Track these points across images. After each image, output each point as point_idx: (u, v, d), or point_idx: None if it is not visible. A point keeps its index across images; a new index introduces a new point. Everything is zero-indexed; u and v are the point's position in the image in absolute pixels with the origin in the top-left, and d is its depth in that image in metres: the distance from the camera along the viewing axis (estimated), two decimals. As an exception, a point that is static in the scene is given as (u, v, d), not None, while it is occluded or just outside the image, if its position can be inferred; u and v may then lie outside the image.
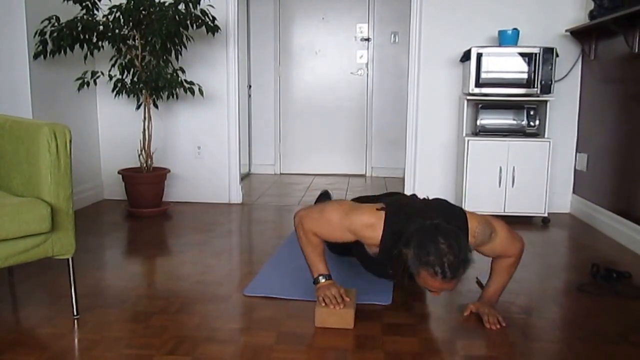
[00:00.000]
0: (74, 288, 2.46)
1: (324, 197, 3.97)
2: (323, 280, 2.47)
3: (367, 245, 2.48)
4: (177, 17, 4.08)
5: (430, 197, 2.56)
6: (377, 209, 2.39)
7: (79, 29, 3.99)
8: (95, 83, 4.46)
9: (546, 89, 4.16)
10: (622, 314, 2.57)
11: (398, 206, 2.41)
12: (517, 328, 2.39)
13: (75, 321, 2.41)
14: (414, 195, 2.67)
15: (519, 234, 2.54)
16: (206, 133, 4.94)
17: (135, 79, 4.27)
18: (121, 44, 4.21)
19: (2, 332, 2.29)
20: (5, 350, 2.13)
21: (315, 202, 3.95)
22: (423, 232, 2.16)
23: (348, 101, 6.77)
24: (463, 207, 4.23)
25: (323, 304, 2.38)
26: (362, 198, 2.93)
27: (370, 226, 2.36)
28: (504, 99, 4.29)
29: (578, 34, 4.40)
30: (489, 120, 4.34)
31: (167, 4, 4.13)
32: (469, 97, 4.33)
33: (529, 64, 4.15)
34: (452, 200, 4.67)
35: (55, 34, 3.95)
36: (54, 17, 4.00)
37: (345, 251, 2.89)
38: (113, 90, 4.32)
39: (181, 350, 2.15)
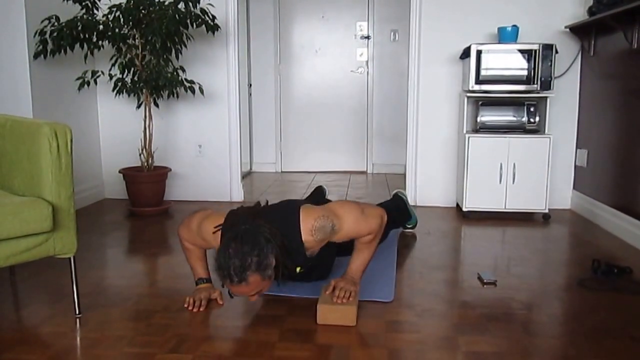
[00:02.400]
0: (75, 287, 2.46)
1: (318, 192, 4.01)
2: (201, 284, 2.64)
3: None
4: (177, 16, 4.08)
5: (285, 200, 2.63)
6: (221, 217, 2.45)
7: (79, 28, 3.99)
8: (95, 82, 4.46)
9: (546, 85, 4.16)
10: (623, 309, 2.58)
11: (237, 212, 2.43)
12: (519, 323, 2.40)
13: (77, 320, 2.42)
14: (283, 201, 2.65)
15: (377, 207, 2.55)
16: (207, 132, 4.94)
17: (135, 78, 4.27)
18: (121, 43, 4.21)
19: (4, 331, 2.30)
20: (8, 349, 2.14)
21: (309, 196, 4.07)
22: (226, 239, 2.21)
23: (348, 99, 6.77)
24: (464, 205, 4.27)
25: (190, 308, 2.51)
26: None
27: (212, 231, 2.43)
28: (504, 95, 4.30)
29: (577, 30, 4.40)
30: (489, 117, 4.34)
31: (166, 3, 4.14)
32: (469, 94, 4.33)
33: (528, 61, 4.15)
34: (452, 199, 4.73)
35: (55, 34, 3.96)
36: (54, 17, 4.00)
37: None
38: (113, 90, 4.33)
39: (183, 348, 2.16)
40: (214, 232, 2.41)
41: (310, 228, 2.35)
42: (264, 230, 2.22)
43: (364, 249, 2.54)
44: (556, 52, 4.17)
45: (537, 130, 4.30)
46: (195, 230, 2.53)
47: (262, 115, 6.90)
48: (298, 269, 2.43)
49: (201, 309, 2.50)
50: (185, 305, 2.53)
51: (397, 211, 3.74)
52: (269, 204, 2.51)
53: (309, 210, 2.40)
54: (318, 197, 3.91)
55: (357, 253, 2.56)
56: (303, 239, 2.35)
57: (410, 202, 4.60)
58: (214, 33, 4.38)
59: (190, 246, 2.62)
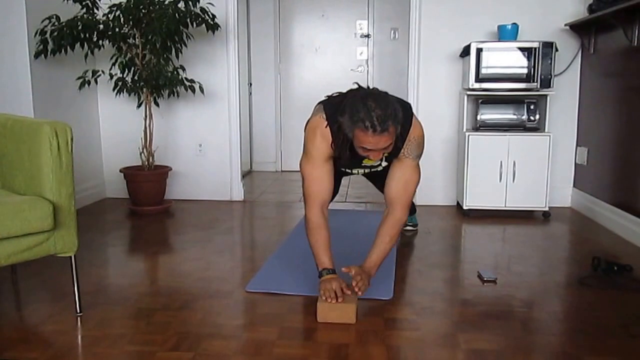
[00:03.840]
0: (76, 285, 2.46)
1: None
2: (326, 275, 2.49)
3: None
4: (177, 15, 4.08)
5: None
6: (315, 115, 2.52)
7: (80, 27, 3.99)
8: (96, 82, 4.47)
9: (546, 83, 4.17)
10: (623, 306, 2.58)
11: (334, 98, 2.51)
12: (519, 321, 2.40)
13: (78, 318, 2.42)
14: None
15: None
16: (207, 131, 4.94)
17: (135, 78, 4.28)
18: (121, 43, 4.21)
19: (6, 330, 2.31)
20: (9, 347, 2.15)
21: None
22: (355, 99, 2.27)
23: (348, 98, 6.76)
24: (464, 203, 4.27)
25: (324, 297, 2.39)
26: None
27: (322, 137, 2.49)
28: (504, 93, 4.30)
29: (577, 28, 4.41)
30: (489, 115, 4.34)
31: (166, 2, 4.14)
32: (469, 93, 4.34)
33: (528, 59, 4.16)
34: (452, 197, 4.74)
35: (55, 33, 3.96)
36: (54, 17, 4.00)
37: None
38: (114, 89, 4.33)
39: (184, 346, 2.16)
40: (325, 127, 2.46)
41: (412, 135, 2.51)
42: (398, 101, 2.36)
43: (387, 236, 2.58)
44: (556, 50, 4.17)
45: (537, 128, 4.30)
46: (313, 167, 2.54)
47: (262, 114, 6.91)
48: (378, 166, 2.68)
49: (340, 300, 2.38)
50: (324, 298, 2.40)
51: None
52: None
53: (418, 123, 2.57)
54: None
55: (379, 244, 2.59)
56: (407, 137, 2.48)
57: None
58: (214, 32, 4.38)
59: (317, 222, 2.54)
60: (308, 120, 2.61)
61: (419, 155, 2.59)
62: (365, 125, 2.20)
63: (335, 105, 2.42)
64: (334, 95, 2.56)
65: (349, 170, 2.94)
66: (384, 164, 2.73)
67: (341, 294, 2.40)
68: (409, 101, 4.72)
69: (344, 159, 2.57)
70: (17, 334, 2.27)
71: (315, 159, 2.54)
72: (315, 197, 2.56)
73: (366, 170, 2.90)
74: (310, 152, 2.55)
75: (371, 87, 2.41)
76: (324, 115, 2.48)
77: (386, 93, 2.35)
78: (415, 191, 2.68)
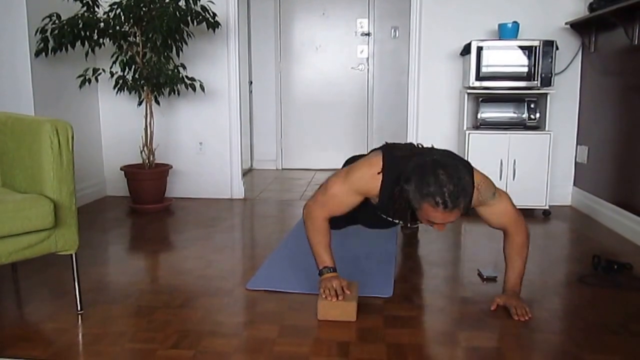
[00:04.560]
0: (77, 283, 2.47)
1: None
2: (327, 273, 2.49)
3: (372, 197, 2.47)
4: (177, 13, 4.09)
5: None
6: (374, 157, 2.43)
7: (80, 26, 3.99)
8: (96, 80, 4.47)
9: (546, 81, 4.16)
10: (623, 305, 2.58)
11: (395, 149, 2.44)
12: (519, 319, 2.40)
13: (79, 316, 2.43)
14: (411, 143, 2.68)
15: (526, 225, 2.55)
16: (208, 129, 4.95)
17: (136, 76, 4.28)
18: (122, 41, 4.22)
19: (7, 328, 2.31)
20: (10, 345, 2.15)
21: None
22: (423, 166, 2.17)
23: (349, 96, 6.77)
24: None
25: (324, 296, 2.39)
26: (352, 158, 2.91)
27: (370, 176, 2.39)
28: (504, 92, 4.30)
29: (578, 27, 4.40)
30: (489, 113, 4.34)
31: (167, 0, 4.14)
32: (469, 91, 4.34)
33: (529, 57, 4.16)
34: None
35: (56, 32, 3.96)
36: (55, 15, 4.00)
37: (351, 220, 2.89)
38: (114, 87, 4.33)
39: (184, 344, 2.17)
40: (378, 173, 2.36)
41: (479, 182, 2.36)
42: (458, 161, 2.26)
43: (517, 256, 2.51)
44: (557, 48, 4.17)
45: (537, 126, 4.30)
46: (343, 191, 2.44)
47: (263, 113, 6.90)
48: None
49: (340, 298, 2.38)
50: (324, 296, 2.40)
51: None
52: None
53: (477, 170, 2.42)
54: None
55: (510, 263, 2.53)
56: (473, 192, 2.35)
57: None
58: (214, 30, 4.39)
59: (324, 230, 2.50)
60: (362, 155, 2.58)
61: (494, 192, 2.44)
62: (436, 201, 2.10)
63: (399, 162, 2.32)
64: (398, 145, 2.48)
65: (391, 219, 2.67)
66: None
67: (342, 293, 2.40)
68: (409, 100, 4.73)
69: (397, 218, 2.48)
70: (18, 332, 2.28)
71: (351, 188, 2.44)
72: (329, 211, 2.50)
73: (411, 225, 2.77)
74: (352, 179, 2.44)
75: (436, 148, 2.38)
76: (382, 166, 2.37)
77: (452, 155, 2.32)
78: (516, 211, 2.53)
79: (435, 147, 2.50)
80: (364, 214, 2.70)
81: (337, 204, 2.48)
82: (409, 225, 2.79)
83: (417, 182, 2.14)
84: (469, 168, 2.34)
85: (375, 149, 2.59)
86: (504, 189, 4.20)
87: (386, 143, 2.55)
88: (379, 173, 2.36)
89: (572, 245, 3.63)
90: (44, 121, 2.33)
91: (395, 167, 2.31)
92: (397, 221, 2.69)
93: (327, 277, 2.47)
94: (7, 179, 2.58)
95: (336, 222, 2.68)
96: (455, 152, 4.59)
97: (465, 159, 2.51)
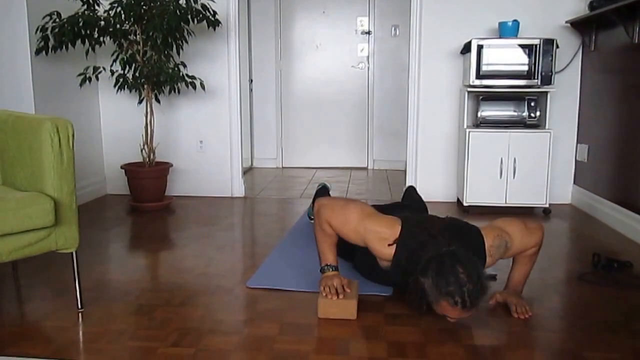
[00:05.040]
0: (77, 282, 2.47)
1: (323, 190, 3.94)
2: (328, 271, 2.49)
3: (377, 257, 2.46)
4: (177, 11, 4.09)
5: (447, 217, 2.57)
6: (394, 224, 2.39)
7: (80, 24, 3.99)
8: (97, 78, 4.46)
9: (547, 80, 4.16)
10: (623, 303, 2.59)
11: (414, 224, 2.40)
12: (519, 317, 2.41)
13: (80, 314, 2.43)
14: (429, 215, 2.67)
15: (535, 222, 2.53)
16: (208, 127, 4.95)
17: (136, 74, 4.28)
18: (122, 39, 4.22)
19: (7, 326, 2.31)
20: (11, 343, 2.15)
21: (314, 197, 3.93)
22: (441, 261, 2.13)
23: (349, 94, 6.77)
24: (464, 199, 4.28)
25: (324, 294, 2.40)
26: (386, 207, 2.88)
27: (383, 239, 2.37)
28: (504, 90, 4.29)
29: (578, 25, 4.40)
30: (489, 111, 4.34)
31: (167, -2, 4.14)
32: (469, 89, 4.34)
33: (529, 56, 4.15)
34: (453, 193, 4.74)
35: (56, 30, 3.96)
36: (55, 13, 4.00)
37: (348, 256, 2.87)
38: (115, 86, 4.33)
39: (185, 342, 2.17)
40: (389, 245, 2.35)
41: (490, 248, 2.38)
42: (473, 257, 2.21)
43: (527, 262, 2.53)
44: (557, 46, 4.17)
45: (537, 125, 4.30)
46: (354, 224, 2.41)
47: (263, 111, 6.90)
48: None
49: (340, 297, 2.37)
50: (324, 294, 2.40)
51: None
52: (440, 221, 2.48)
53: (486, 229, 2.44)
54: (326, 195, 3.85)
55: (518, 266, 2.55)
56: (487, 260, 2.39)
57: (411, 197, 4.60)
58: (214, 29, 4.39)
59: (331, 231, 2.48)
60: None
61: (505, 245, 2.41)
62: (455, 300, 2.08)
63: (415, 239, 2.31)
64: (416, 220, 2.46)
65: (392, 278, 2.57)
66: None
67: (342, 291, 2.40)
68: (410, 99, 4.73)
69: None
70: (19, 330, 2.28)
71: (362, 230, 2.40)
72: (332, 225, 2.47)
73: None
74: (368, 225, 2.40)
75: (447, 224, 2.39)
76: (398, 237, 2.35)
77: (464, 234, 2.33)
78: (529, 227, 2.49)
79: (446, 217, 2.52)
80: (364, 263, 2.70)
81: (341, 227, 2.45)
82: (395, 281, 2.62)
83: (436, 278, 2.10)
84: (479, 242, 2.37)
85: (400, 211, 2.60)
86: (504, 187, 4.26)
87: (405, 216, 2.48)
88: (392, 244, 2.34)
89: (572, 244, 3.63)
90: (45, 119, 2.34)
91: (410, 245, 2.30)
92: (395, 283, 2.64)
93: (329, 275, 2.47)
94: (7, 177, 2.58)
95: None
96: (456, 150, 4.65)
97: (474, 225, 2.48)
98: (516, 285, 2.55)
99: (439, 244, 2.24)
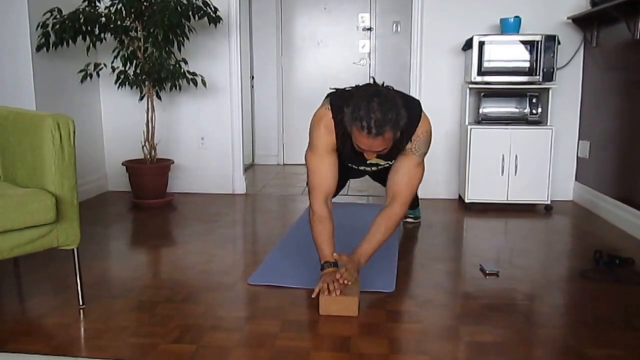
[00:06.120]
0: (79, 278, 2.47)
1: None
2: (327, 268, 2.50)
3: (340, 154, 2.60)
4: (178, 8, 4.08)
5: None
6: (322, 109, 2.56)
7: (81, 21, 3.99)
8: (98, 75, 4.46)
9: (548, 76, 4.15)
10: (625, 299, 2.58)
11: (345, 91, 2.52)
12: (521, 314, 2.40)
13: (81, 311, 2.43)
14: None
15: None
16: (209, 124, 4.94)
17: (138, 71, 4.27)
18: (123, 36, 4.21)
19: (9, 323, 2.31)
20: (12, 340, 2.15)
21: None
22: (364, 95, 2.27)
23: (350, 91, 6.75)
24: (466, 196, 4.27)
25: (325, 292, 2.39)
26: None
27: (325, 127, 2.52)
28: (506, 87, 4.29)
29: (580, 21, 4.39)
30: (491, 108, 4.34)
31: (168, -5, 4.13)
32: (471, 86, 4.33)
33: (531, 52, 4.14)
34: (454, 190, 4.74)
35: (57, 26, 3.96)
36: (56, 9, 4.00)
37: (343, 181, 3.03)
38: (116, 82, 4.33)
39: (187, 338, 2.17)
40: (330, 118, 2.48)
41: (419, 133, 2.53)
42: (398, 97, 2.31)
43: (382, 229, 2.54)
44: (558, 43, 4.16)
45: (539, 121, 4.30)
46: (316, 158, 2.58)
47: (265, 108, 6.90)
48: (384, 164, 2.68)
49: (337, 292, 2.36)
50: (325, 293, 2.37)
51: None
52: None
53: (426, 119, 2.60)
54: None
55: (373, 234, 2.56)
56: (412, 137, 2.49)
57: (413, 193, 4.60)
58: (216, 25, 4.38)
59: (322, 213, 2.55)
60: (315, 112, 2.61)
61: (425, 153, 2.59)
62: (362, 125, 2.21)
63: (344, 97, 2.43)
64: (346, 88, 2.56)
65: (355, 167, 2.88)
66: (391, 162, 2.71)
67: (339, 286, 2.38)
68: (411, 93, 4.72)
69: (346, 152, 2.56)
70: (20, 326, 2.28)
71: (319, 151, 2.56)
72: (319, 189, 2.57)
73: (373, 168, 2.86)
74: (314, 143, 2.57)
75: (386, 86, 2.40)
76: (329, 107, 2.49)
77: (396, 94, 2.35)
78: (417, 188, 2.68)
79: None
80: (342, 173, 2.83)
81: (323, 173, 2.57)
82: (357, 167, 2.87)
83: (352, 107, 2.25)
84: (415, 108, 2.50)
85: (326, 96, 2.68)
86: (506, 184, 4.26)
87: (330, 90, 2.66)
88: (331, 118, 2.48)
89: (573, 240, 3.63)
90: (46, 116, 2.33)
91: (341, 103, 2.42)
92: (352, 165, 2.84)
93: (327, 272, 2.48)
94: (8, 174, 2.58)
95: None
96: (458, 147, 4.64)
97: (420, 107, 2.62)
98: (362, 254, 2.53)
99: (370, 87, 2.36)
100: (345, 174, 2.89)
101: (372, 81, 2.45)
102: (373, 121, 2.18)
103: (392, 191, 2.59)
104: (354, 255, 2.52)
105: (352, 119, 2.24)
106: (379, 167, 2.82)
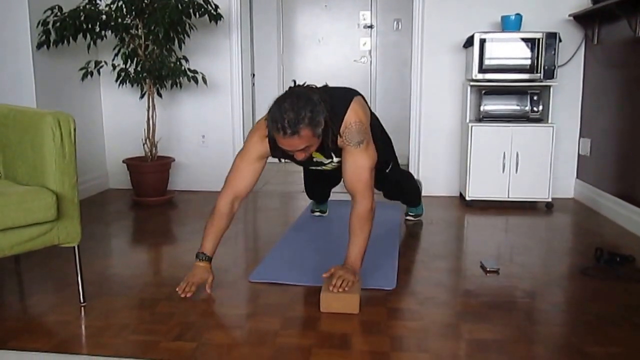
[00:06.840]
0: (80, 276, 2.47)
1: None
2: (200, 260, 2.61)
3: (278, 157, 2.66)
4: (179, 5, 4.08)
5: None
6: (264, 119, 2.51)
7: (82, 18, 3.99)
8: (98, 73, 4.46)
9: (549, 74, 4.15)
10: (626, 297, 2.58)
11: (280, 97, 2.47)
12: (522, 312, 2.41)
13: (82, 308, 2.43)
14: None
15: (374, 201, 2.54)
16: (210, 122, 4.94)
17: (138, 68, 4.27)
18: (124, 33, 4.21)
19: (10, 320, 2.32)
20: (13, 337, 2.16)
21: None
22: (277, 99, 2.33)
23: (351, 89, 6.75)
24: (467, 194, 4.27)
25: (178, 289, 2.52)
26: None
27: (259, 136, 2.58)
28: (507, 84, 4.28)
29: (581, 19, 4.39)
30: (492, 106, 4.33)
31: (169, -8, 4.13)
32: (472, 83, 4.32)
33: (532, 50, 4.14)
34: (455, 188, 4.74)
35: (58, 24, 3.95)
36: (57, 7, 3.99)
37: (317, 182, 3.16)
38: (117, 80, 4.32)
39: (187, 336, 2.17)
40: (265, 127, 2.43)
41: (349, 122, 2.47)
42: (315, 93, 2.34)
43: (358, 230, 2.50)
44: (560, 40, 4.15)
45: (540, 119, 4.29)
46: (244, 161, 2.62)
47: (265, 105, 6.77)
48: (329, 162, 2.71)
49: (188, 295, 2.49)
50: (177, 289, 2.52)
51: (417, 188, 3.88)
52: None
53: (358, 108, 2.52)
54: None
55: (352, 238, 2.53)
56: (339, 130, 2.46)
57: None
58: (216, 23, 4.38)
59: (222, 209, 2.63)
60: None
61: (361, 141, 2.47)
62: (277, 127, 2.25)
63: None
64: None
65: (313, 168, 2.90)
66: (336, 159, 2.68)
67: (190, 290, 2.50)
68: (412, 93, 4.71)
69: (287, 156, 2.60)
70: (21, 324, 2.28)
71: (247, 156, 2.63)
72: (232, 187, 2.64)
73: (325, 167, 2.81)
74: (246, 148, 2.64)
75: (306, 85, 2.42)
76: (268, 117, 2.44)
77: (318, 90, 2.38)
78: (371, 177, 2.53)
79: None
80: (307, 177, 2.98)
81: (242, 175, 2.64)
82: (311, 168, 2.94)
83: (270, 113, 2.31)
84: (344, 105, 2.47)
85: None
86: (507, 182, 4.26)
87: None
88: (266, 127, 2.44)
89: (574, 238, 3.63)
90: (46, 114, 2.33)
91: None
92: (311, 167, 2.88)
93: (197, 265, 2.60)
94: (9, 172, 2.58)
95: (312, 190, 3.27)
96: (459, 144, 4.64)
97: (356, 94, 2.60)
98: (352, 261, 2.51)
99: (288, 89, 2.39)
100: (316, 177, 3.04)
101: (292, 84, 2.45)
102: (286, 121, 2.22)
103: (349, 189, 2.55)
104: (346, 264, 2.51)
105: (270, 125, 2.29)
106: (332, 166, 2.78)
